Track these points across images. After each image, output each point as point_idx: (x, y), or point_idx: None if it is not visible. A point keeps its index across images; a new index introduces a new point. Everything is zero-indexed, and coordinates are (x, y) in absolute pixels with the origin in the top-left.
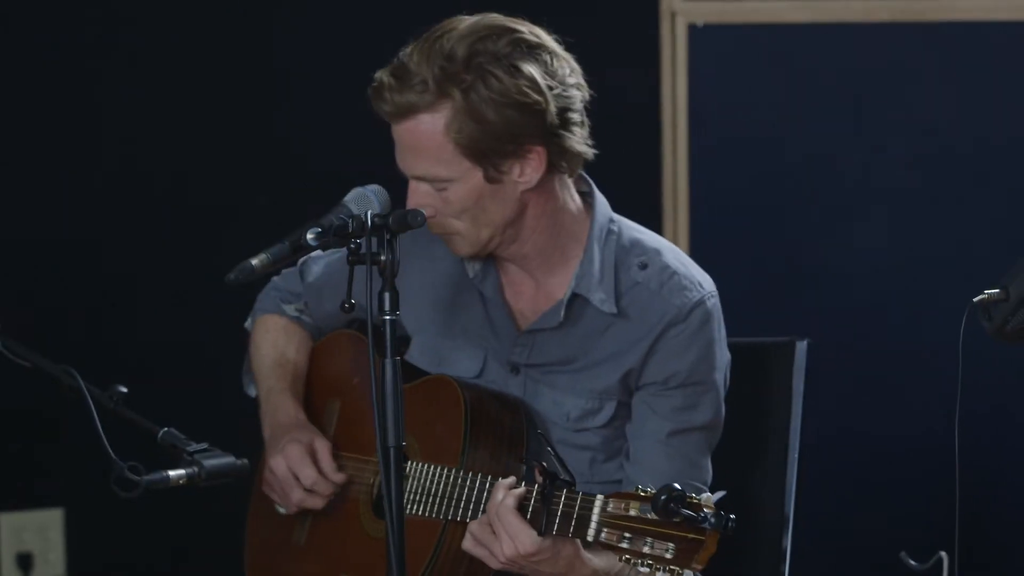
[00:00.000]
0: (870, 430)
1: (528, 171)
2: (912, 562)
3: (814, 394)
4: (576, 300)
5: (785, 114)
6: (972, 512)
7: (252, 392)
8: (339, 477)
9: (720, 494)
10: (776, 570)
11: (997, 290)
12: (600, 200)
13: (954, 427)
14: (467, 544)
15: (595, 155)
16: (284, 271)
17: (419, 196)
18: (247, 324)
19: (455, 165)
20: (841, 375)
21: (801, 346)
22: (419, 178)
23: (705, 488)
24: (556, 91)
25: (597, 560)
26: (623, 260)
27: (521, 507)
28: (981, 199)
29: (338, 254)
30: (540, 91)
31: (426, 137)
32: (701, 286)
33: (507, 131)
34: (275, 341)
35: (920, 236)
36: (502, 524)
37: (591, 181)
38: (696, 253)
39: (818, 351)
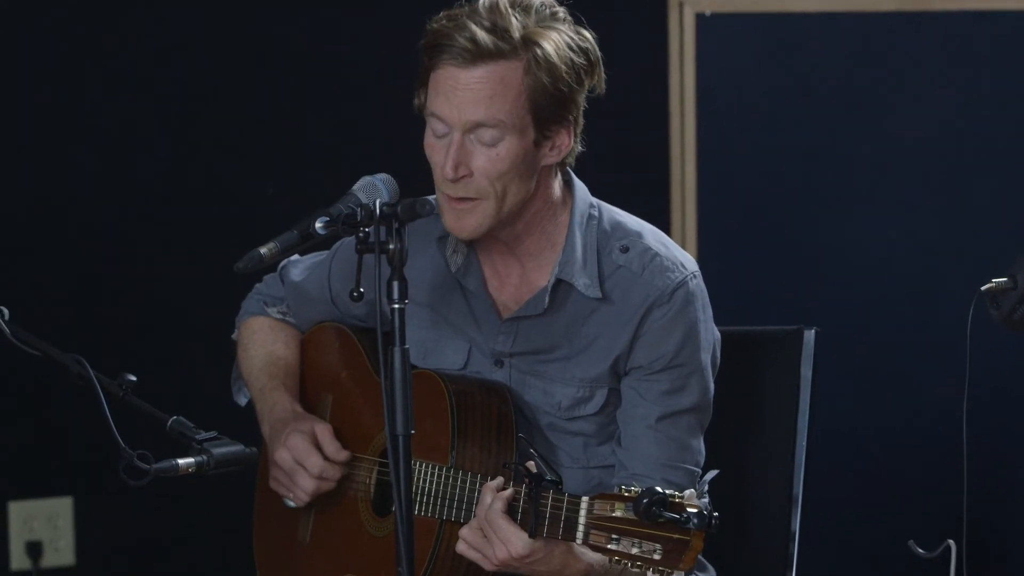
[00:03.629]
0: (878, 418)
1: (559, 145)
2: (920, 550)
3: (822, 382)
4: (560, 286)
5: (793, 103)
6: (980, 500)
7: (242, 400)
8: (344, 455)
9: (713, 473)
10: (785, 552)
11: (1005, 279)
12: (580, 186)
13: (962, 415)
14: (460, 548)
15: (603, 144)
16: (266, 277)
17: (463, 152)
18: (233, 335)
19: (519, 116)
20: (849, 363)
21: (809, 334)
22: (479, 124)
23: (697, 470)
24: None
25: (591, 554)
26: (605, 244)
27: (510, 509)
28: (989, 188)
29: (318, 258)
30: (595, 59)
31: (505, 82)
32: (683, 267)
33: (569, 91)
34: (263, 341)
35: (928, 224)
36: (492, 529)
37: (570, 170)
38: (704, 242)
39: (826, 339)
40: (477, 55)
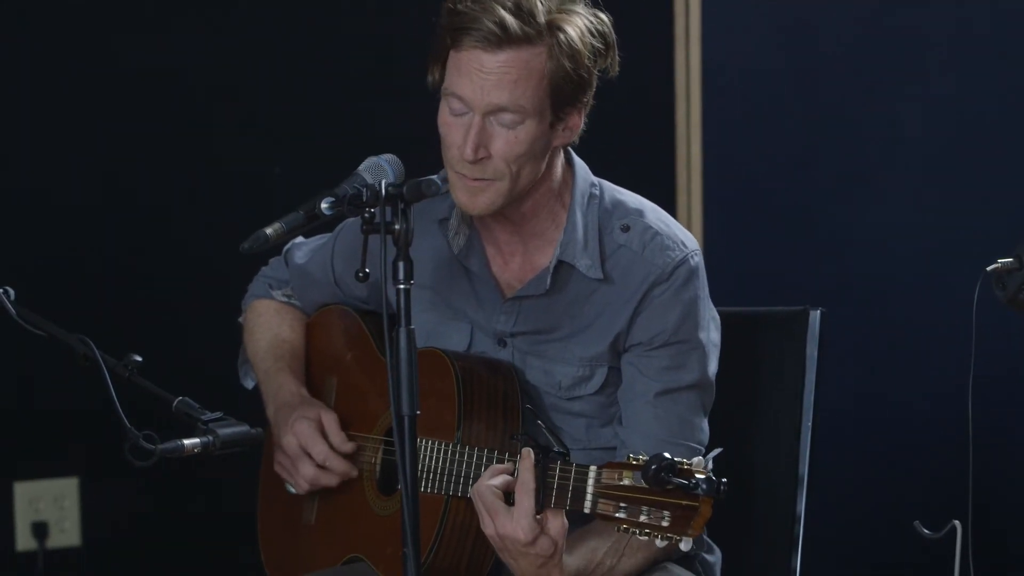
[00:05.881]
0: (883, 399)
1: (571, 126)
2: (926, 531)
3: (828, 363)
4: (562, 267)
5: (799, 82)
6: (985, 481)
7: (248, 384)
8: (349, 447)
9: (716, 451)
10: (790, 534)
11: (1011, 259)
12: (580, 165)
13: (967, 396)
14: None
15: (609, 124)
16: (271, 260)
17: (484, 135)
18: (240, 319)
19: (539, 100)
20: (855, 344)
21: (815, 315)
22: (501, 108)
23: (700, 448)
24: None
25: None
26: (606, 223)
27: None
28: (995, 168)
29: (322, 240)
30: (611, 42)
31: (530, 67)
32: (684, 245)
33: (588, 76)
34: (268, 323)
35: (934, 205)
36: (485, 506)
37: (571, 149)
38: (710, 222)
39: (832, 320)
40: (504, 40)
